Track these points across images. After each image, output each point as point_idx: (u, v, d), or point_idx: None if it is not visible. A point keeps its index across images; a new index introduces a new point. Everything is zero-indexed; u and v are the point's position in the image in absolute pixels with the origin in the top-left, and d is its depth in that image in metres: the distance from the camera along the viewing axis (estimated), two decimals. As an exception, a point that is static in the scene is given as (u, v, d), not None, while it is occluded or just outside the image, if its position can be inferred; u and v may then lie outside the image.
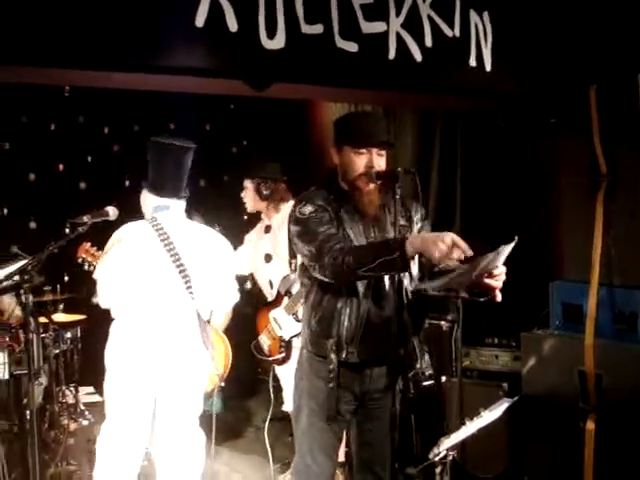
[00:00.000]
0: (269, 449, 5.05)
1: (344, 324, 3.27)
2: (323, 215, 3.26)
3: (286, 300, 4.91)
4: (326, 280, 3.17)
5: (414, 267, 3.09)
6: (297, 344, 4.59)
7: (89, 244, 4.59)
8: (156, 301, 3.93)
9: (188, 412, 4.08)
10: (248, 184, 5.23)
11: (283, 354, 4.90)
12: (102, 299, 4.07)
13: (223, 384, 4.36)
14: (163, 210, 4.04)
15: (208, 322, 4.17)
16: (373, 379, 3.41)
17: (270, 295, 5.15)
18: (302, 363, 3.50)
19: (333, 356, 3.28)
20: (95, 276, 4.11)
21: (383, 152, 3.32)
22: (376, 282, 3.30)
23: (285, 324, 4.90)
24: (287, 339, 4.89)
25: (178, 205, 4.11)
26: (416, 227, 3.48)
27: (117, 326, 4.03)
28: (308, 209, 3.26)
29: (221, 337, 4.43)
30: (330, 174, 3.46)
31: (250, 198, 5.19)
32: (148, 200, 4.10)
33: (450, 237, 2.83)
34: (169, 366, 3.93)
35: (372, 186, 3.29)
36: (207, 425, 4.25)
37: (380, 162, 3.30)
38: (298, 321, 4.66)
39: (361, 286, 3.27)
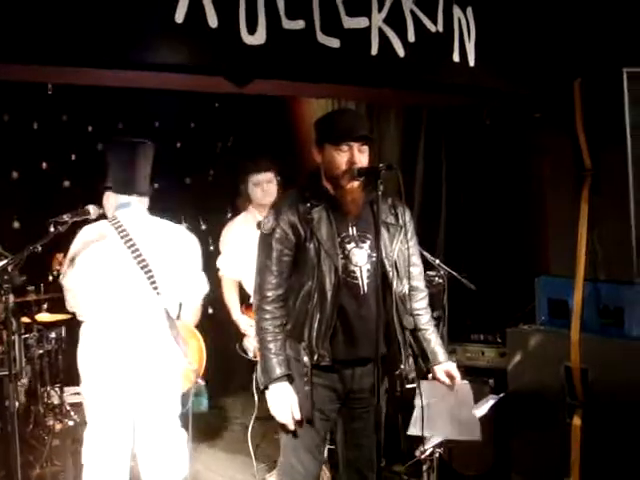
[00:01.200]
0: (251, 450, 5.02)
1: (314, 327, 3.27)
2: (282, 237, 3.31)
3: None
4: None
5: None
6: None
7: (62, 255, 4.55)
8: (122, 301, 3.89)
9: (166, 412, 4.04)
10: (273, 177, 5.12)
11: None
12: (69, 303, 4.04)
13: (202, 381, 4.29)
14: (124, 207, 4.01)
15: (178, 318, 4.13)
16: (355, 379, 3.40)
17: None
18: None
19: (306, 359, 3.28)
20: (62, 282, 4.06)
21: (365, 148, 3.30)
22: (349, 286, 3.31)
23: None
24: None
25: (139, 202, 4.07)
26: (408, 229, 3.49)
27: (86, 329, 3.99)
28: (270, 225, 3.33)
29: (193, 332, 4.37)
30: (312, 174, 3.44)
31: (276, 191, 5.09)
32: (110, 199, 4.07)
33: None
34: (141, 366, 3.90)
35: (355, 184, 3.28)
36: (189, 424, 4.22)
37: (362, 158, 3.28)
38: None
39: (329, 290, 3.26)
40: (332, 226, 3.29)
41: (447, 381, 3.49)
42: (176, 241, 4.14)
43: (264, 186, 5.05)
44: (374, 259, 3.30)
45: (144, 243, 3.96)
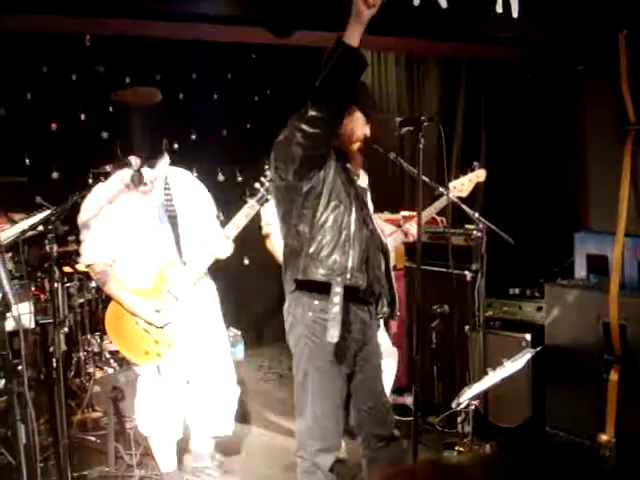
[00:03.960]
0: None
1: (349, 254, 3.27)
2: None
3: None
4: (308, 131, 3.13)
5: None
6: None
7: None
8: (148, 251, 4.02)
9: (217, 363, 4.22)
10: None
11: None
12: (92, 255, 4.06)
13: (238, 331, 4.35)
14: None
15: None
16: (372, 312, 3.50)
17: None
18: (307, 324, 3.34)
19: (339, 279, 3.24)
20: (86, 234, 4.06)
21: None
22: (365, 227, 3.38)
23: None
24: None
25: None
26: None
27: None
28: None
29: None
30: None
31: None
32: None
33: None
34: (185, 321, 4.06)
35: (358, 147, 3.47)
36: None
37: None
38: None
39: (355, 224, 3.32)
40: (348, 175, 3.39)
41: None
42: (196, 192, 4.25)
43: None
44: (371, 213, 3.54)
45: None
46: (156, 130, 4.10)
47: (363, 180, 3.73)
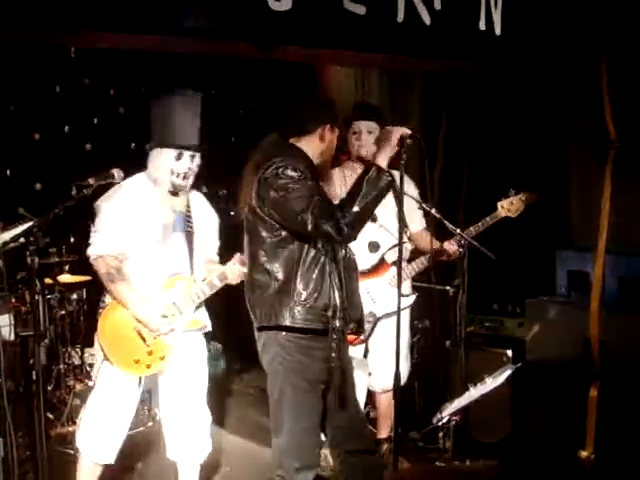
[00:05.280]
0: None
1: (337, 294, 3.33)
2: (307, 180, 3.28)
3: (392, 270, 4.52)
4: (337, 239, 3.19)
5: None
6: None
7: None
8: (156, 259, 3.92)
9: (191, 386, 4.09)
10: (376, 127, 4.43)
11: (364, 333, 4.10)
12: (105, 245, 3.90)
13: (219, 345, 4.27)
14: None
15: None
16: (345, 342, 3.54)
17: (365, 260, 4.52)
18: (280, 344, 3.38)
19: (337, 323, 3.30)
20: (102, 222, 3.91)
21: None
22: (341, 253, 3.41)
23: (381, 298, 4.53)
24: (379, 316, 4.52)
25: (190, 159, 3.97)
26: None
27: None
28: (294, 173, 3.26)
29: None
30: (292, 147, 3.47)
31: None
32: (159, 157, 3.95)
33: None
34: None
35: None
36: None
37: None
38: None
39: (341, 259, 3.39)
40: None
41: None
42: (212, 218, 4.22)
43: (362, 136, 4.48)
44: None
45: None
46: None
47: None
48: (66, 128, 6.57)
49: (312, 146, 3.44)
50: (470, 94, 5.78)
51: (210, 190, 7.25)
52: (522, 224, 5.39)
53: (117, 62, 6.29)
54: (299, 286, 3.28)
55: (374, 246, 4.58)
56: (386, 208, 4.18)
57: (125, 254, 3.88)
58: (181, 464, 4.12)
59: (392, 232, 4.44)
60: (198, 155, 3.95)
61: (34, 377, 3.64)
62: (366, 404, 4.83)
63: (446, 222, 4.41)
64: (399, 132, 3.18)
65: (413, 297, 4.57)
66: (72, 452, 4.81)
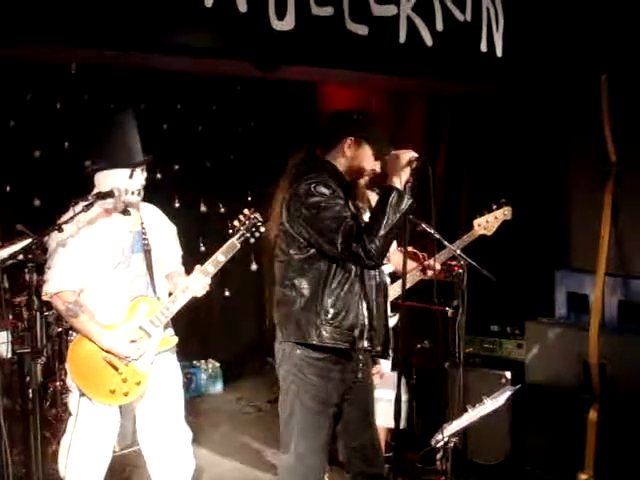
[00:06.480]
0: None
1: (363, 313, 3.33)
2: (339, 198, 3.26)
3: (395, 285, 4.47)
4: (366, 262, 3.17)
5: None
6: None
7: None
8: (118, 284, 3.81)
9: (169, 408, 3.98)
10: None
11: None
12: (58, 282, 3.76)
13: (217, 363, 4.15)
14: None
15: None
16: (363, 366, 3.49)
17: None
18: (293, 361, 3.38)
19: (365, 343, 3.33)
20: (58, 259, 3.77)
21: None
22: (370, 274, 3.40)
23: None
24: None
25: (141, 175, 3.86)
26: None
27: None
28: (326, 190, 3.24)
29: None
30: (325, 162, 3.43)
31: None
32: (109, 178, 3.80)
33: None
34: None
35: (365, 182, 3.45)
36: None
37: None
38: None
39: (366, 276, 3.36)
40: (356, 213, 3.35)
41: None
42: (168, 228, 4.11)
43: None
44: None
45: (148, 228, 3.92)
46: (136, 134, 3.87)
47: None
48: (66, 144, 6.57)
49: (338, 162, 3.40)
50: (471, 114, 5.80)
51: (209, 209, 7.29)
52: (521, 245, 5.41)
53: (117, 79, 6.29)
54: (326, 304, 3.28)
55: None
56: None
57: (82, 286, 3.78)
58: None
59: None
60: (145, 167, 3.86)
61: (30, 395, 3.62)
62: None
63: (445, 242, 4.41)
64: (407, 155, 3.16)
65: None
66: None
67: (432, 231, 4.29)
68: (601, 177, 4.44)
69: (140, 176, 3.81)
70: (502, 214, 4.38)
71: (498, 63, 4.34)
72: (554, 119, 5.02)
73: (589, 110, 4.52)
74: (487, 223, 4.38)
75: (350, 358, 3.34)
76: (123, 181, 3.76)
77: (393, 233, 3.19)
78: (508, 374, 4.80)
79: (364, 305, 3.34)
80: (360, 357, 3.41)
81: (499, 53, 4.32)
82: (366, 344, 3.33)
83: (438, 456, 4.63)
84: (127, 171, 3.76)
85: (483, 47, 4.28)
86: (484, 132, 5.72)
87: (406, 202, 3.14)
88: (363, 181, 3.43)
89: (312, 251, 3.28)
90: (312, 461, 3.39)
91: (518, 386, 4.29)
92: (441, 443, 4.04)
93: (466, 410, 3.96)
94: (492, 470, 4.80)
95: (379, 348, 3.44)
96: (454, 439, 4.14)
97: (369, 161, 3.38)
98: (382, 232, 3.10)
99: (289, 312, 3.35)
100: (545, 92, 4.68)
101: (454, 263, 4.74)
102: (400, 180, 3.16)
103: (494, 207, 4.38)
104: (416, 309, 5.07)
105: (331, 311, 3.27)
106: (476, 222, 4.37)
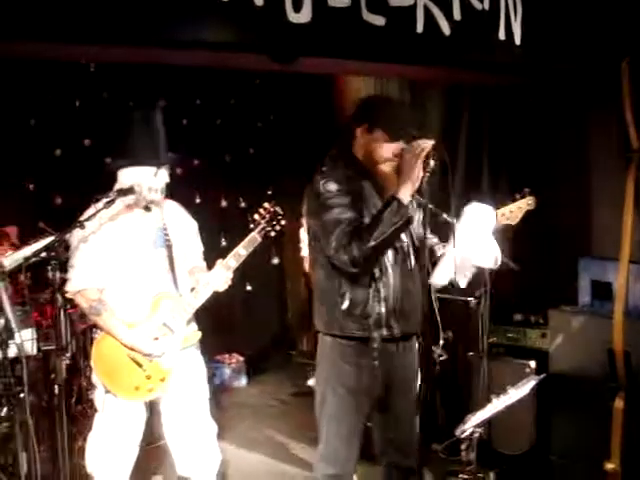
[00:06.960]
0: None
1: (382, 304, 3.29)
2: (344, 197, 3.24)
3: None
4: (350, 270, 3.19)
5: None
6: None
7: None
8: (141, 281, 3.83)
9: (193, 402, 4.00)
10: None
11: None
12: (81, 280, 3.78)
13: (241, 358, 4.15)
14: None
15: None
16: (400, 355, 3.43)
17: None
18: (325, 350, 3.43)
19: (376, 334, 3.29)
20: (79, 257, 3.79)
21: None
22: (400, 259, 3.35)
23: None
24: None
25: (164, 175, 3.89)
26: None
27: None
28: (334, 186, 3.24)
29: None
30: (345, 148, 3.40)
31: None
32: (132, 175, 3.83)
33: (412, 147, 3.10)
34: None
35: (392, 168, 3.30)
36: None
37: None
38: None
39: (390, 265, 3.31)
40: (378, 203, 3.30)
41: None
42: (189, 224, 4.13)
43: None
44: (410, 236, 3.43)
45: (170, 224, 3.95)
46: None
47: None
48: (86, 142, 6.61)
49: (357, 150, 3.36)
50: (490, 101, 5.76)
51: (230, 203, 7.31)
52: (544, 233, 5.37)
53: (135, 76, 6.32)
54: (346, 295, 3.28)
55: None
56: None
57: (105, 284, 3.81)
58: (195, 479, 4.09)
59: None
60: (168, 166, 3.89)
61: (56, 391, 3.65)
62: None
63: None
64: (423, 146, 3.08)
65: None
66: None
67: (453, 221, 4.28)
68: (623, 163, 4.39)
69: (164, 174, 3.84)
70: (526, 204, 4.32)
71: (517, 51, 4.30)
72: (575, 106, 4.99)
73: (610, 96, 4.47)
74: (510, 213, 4.34)
75: (374, 346, 3.31)
76: (147, 179, 3.79)
77: (385, 244, 3.19)
78: (532, 363, 4.78)
79: (384, 294, 3.29)
80: (376, 345, 3.34)
81: (517, 41, 4.28)
82: (385, 332, 3.31)
83: (463, 446, 4.59)
84: (152, 169, 3.79)
85: (501, 35, 4.24)
86: (504, 121, 5.68)
87: (402, 215, 3.10)
88: (386, 167, 3.30)
89: None
90: (342, 447, 3.40)
91: (542, 375, 4.26)
92: (466, 433, 4.03)
93: (490, 400, 3.96)
94: (517, 460, 4.79)
95: (396, 334, 3.36)
96: (479, 429, 4.13)
97: (381, 147, 3.28)
98: (372, 243, 3.10)
99: (316, 303, 3.44)
100: (565, 79, 4.64)
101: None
102: (411, 179, 3.09)
103: (517, 197, 4.34)
104: (437, 299, 5.06)
105: (346, 302, 3.28)
106: (499, 212, 4.33)
